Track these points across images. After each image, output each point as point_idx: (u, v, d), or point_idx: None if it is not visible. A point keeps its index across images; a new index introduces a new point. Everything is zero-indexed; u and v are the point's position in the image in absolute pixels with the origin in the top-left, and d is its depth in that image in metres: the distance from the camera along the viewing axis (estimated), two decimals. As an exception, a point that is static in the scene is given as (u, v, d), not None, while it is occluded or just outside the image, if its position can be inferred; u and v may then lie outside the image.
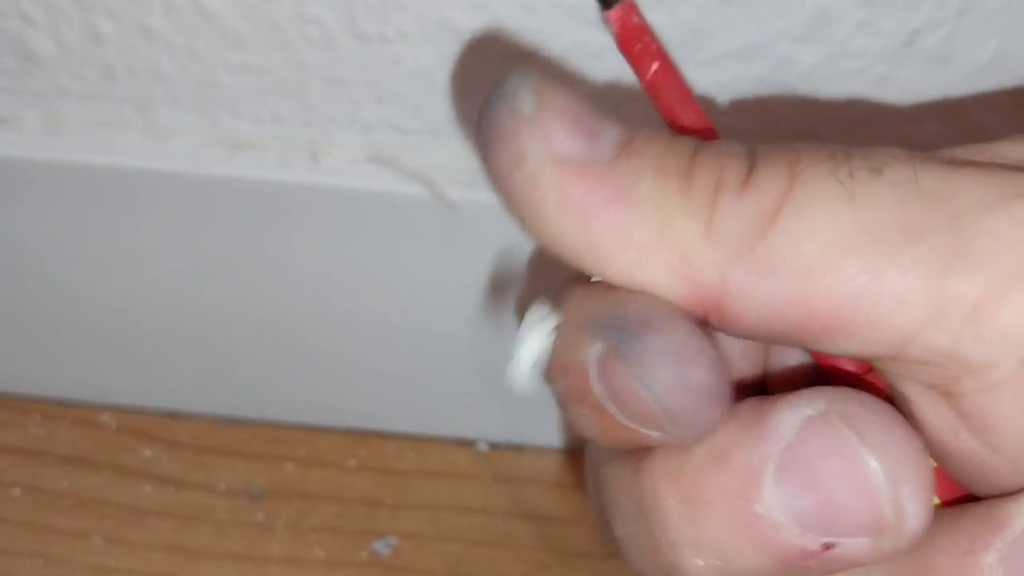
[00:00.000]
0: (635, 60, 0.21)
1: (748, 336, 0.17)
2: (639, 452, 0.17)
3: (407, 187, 0.31)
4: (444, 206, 0.31)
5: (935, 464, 0.18)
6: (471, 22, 0.28)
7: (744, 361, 0.21)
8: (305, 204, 0.31)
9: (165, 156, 0.30)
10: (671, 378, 0.16)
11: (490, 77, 0.18)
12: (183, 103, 0.30)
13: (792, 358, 0.21)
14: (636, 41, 0.22)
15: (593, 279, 0.18)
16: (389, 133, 0.31)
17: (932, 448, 0.17)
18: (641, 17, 0.22)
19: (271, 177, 0.31)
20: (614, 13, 0.21)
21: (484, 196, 0.30)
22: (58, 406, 0.38)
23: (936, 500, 0.17)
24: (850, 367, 0.19)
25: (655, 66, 0.21)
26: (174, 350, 0.37)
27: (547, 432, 0.39)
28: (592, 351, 0.17)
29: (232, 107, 0.30)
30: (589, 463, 0.20)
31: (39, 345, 0.37)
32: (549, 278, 0.20)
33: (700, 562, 0.17)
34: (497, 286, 0.33)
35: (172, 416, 0.38)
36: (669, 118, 0.20)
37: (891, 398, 0.18)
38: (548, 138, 0.16)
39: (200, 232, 0.32)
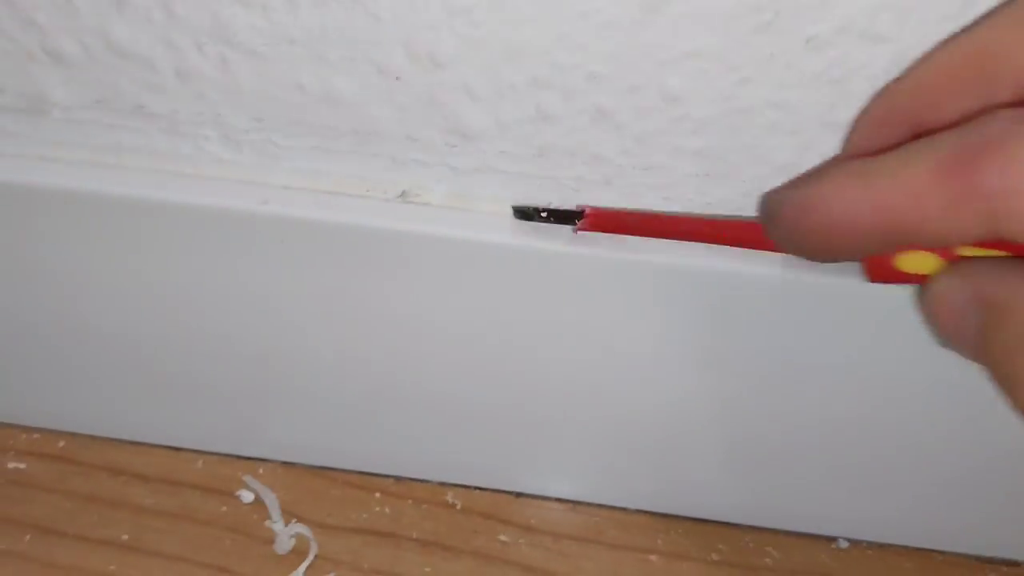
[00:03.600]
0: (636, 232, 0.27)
1: None
2: None
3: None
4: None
5: None
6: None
7: None
8: (729, 286, 0.28)
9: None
10: None
11: None
12: (613, 185, 0.27)
13: None
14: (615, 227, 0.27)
15: None
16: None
17: None
18: (598, 212, 0.26)
19: (690, 264, 0.28)
20: (581, 227, 0.27)
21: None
22: (397, 482, 0.36)
23: None
24: None
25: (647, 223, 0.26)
26: (519, 430, 0.35)
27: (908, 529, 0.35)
28: None
29: (661, 189, 0.27)
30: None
31: (375, 422, 0.35)
32: None
33: None
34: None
35: (516, 496, 0.36)
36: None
37: None
38: None
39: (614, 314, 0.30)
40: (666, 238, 0.26)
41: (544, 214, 0.27)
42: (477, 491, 0.36)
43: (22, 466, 0.37)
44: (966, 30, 0.21)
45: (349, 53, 0.25)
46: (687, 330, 0.30)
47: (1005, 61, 0.20)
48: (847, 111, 0.25)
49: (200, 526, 0.35)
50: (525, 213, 0.27)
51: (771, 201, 0.22)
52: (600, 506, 0.36)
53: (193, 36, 0.25)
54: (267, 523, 0.35)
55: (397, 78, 0.25)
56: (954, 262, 0.22)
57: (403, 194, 0.28)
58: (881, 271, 0.23)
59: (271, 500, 0.35)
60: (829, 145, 0.26)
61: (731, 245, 0.26)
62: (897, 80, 0.23)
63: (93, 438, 0.37)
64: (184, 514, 0.35)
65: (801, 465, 0.34)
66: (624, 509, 0.37)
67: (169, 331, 0.33)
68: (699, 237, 0.26)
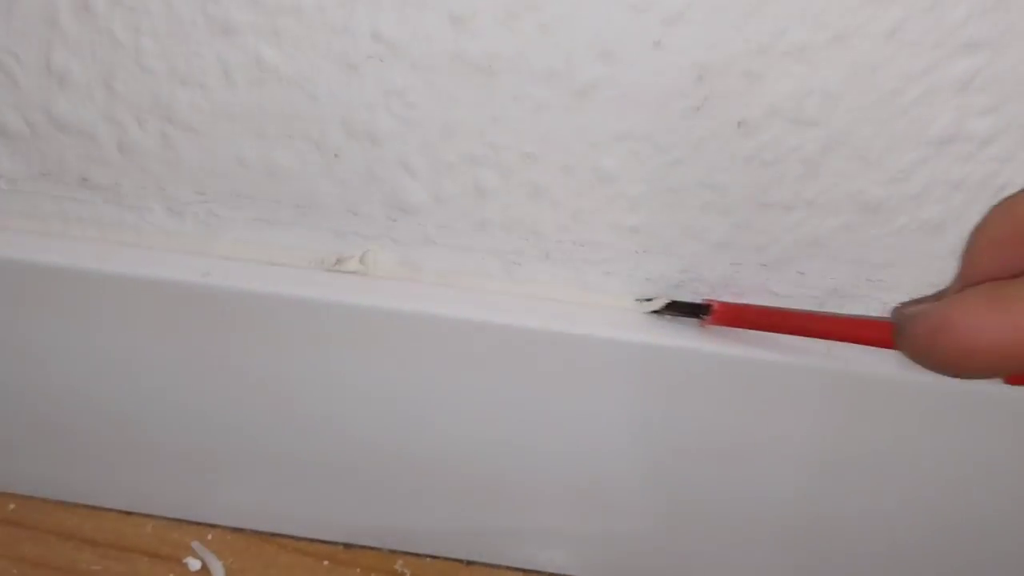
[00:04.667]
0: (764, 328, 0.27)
1: None
2: None
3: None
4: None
5: None
6: (885, 193, 0.25)
7: None
8: (680, 364, 0.28)
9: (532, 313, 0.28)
10: None
11: None
12: (552, 259, 0.27)
13: None
14: (743, 322, 0.27)
15: None
16: (768, 297, 0.28)
17: None
18: (727, 307, 0.27)
19: (634, 339, 0.28)
20: (712, 320, 0.27)
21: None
22: (346, 549, 0.36)
23: None
24: None
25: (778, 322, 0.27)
26: (470, 498, 0.35)
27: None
28: None
29: (600, 264, 0.28)
30: None
31: (324, 488, 0.35)
32: None
33: None
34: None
35: (466, 564, 0.36)
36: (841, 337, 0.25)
37: None
38: None
39: (560, 387, 0.30)
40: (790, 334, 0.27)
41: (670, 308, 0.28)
42: (428, 559, 0.36)
43: (-30, 529, 0.36)
44: None
45: (287, 130, 0.25)
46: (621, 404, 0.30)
47: None
48: (782, 191, 0.25)
49: (147, 594, 0.35)
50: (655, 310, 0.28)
51: (905, 316, 0.22)
52: (552, 575, 0.36)
53: (134, 112, 0.25)
54: (212, 595, 0.35)
55: (336, 155, 0.26)
56: None
57: (337, 262, 0.28)
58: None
59: (217, 568, 0.35)
60: (762, 224, 0.26)
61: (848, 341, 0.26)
62: (1017, 196, 0.23)
63: (44, 501, 0.37)
64: (132, 580, 0.35)
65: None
66: (576, 578, 0.36)
67: (117, 396, 0.33)
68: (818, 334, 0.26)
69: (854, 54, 0.23)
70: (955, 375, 0.22)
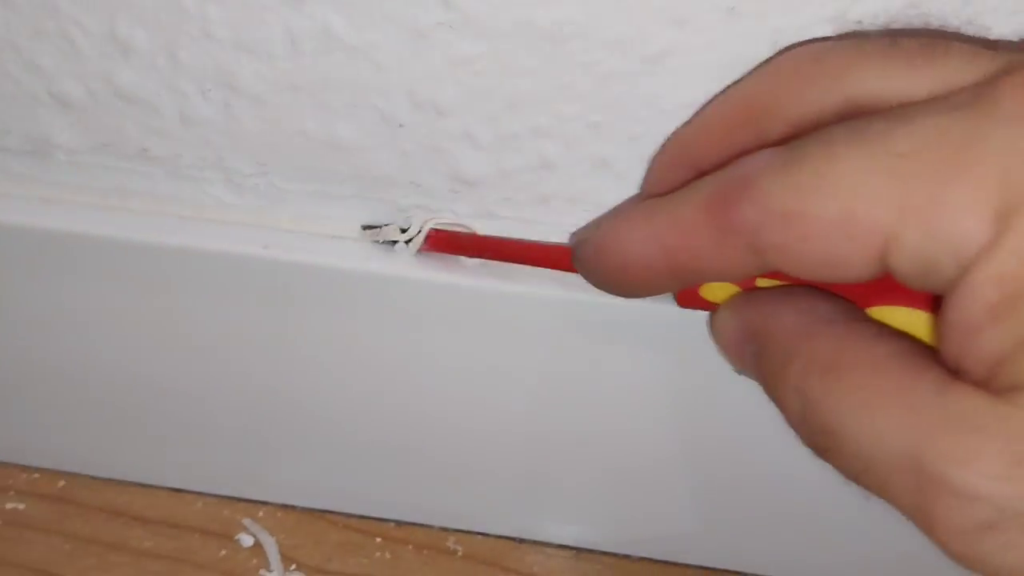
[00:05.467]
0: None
1: None
2: None
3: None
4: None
5: None
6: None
7: None
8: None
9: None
10: None
11: None
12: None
13: None
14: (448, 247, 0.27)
15: None
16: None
17: None
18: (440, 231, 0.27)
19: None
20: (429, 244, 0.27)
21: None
22: (398, 527, 0.36)
23: None
24: None
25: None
26: (522, 476, 0.34)
27: None
28: None
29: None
30: None
31: (376, 465, 0.35)
32: None
33: None
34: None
35: (518, 542, 0.36)
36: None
37: None
38: None
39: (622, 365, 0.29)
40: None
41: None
42: (479, 536, 0.36)
43: (21, 506, 0.36)
44: (737, 83, 0.23)
45: (352, 100, 0.25)
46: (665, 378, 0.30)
47: (772, 109, 0.21)
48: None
49: (199, 570, 0.35)
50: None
51: (575, 240, 0.23)
52: (604, 553, 0.36)
53: (197, 82, 0.25)
54: (263, 572, 0.34)
55: (400, 125, 0.26)
56: (735, 295, 0.23)
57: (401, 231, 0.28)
58: (689, 300, 0.24)
59: (270, 545, 0.35)
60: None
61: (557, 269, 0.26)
62: (681, 127, 0.24)
63: (93, 479, 0.37)
64: (183, 557, 0.35)
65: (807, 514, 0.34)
66: (628, 557, 0.36)
67: (170, 373, 0.33)
68: (528, 261, 0.27)
69: (929, 19, 0.23)
70: (626, 295, 0.22)
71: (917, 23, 0.22)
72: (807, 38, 0.23)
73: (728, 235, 0.19)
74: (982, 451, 0.16)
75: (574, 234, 0.27)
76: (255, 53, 0.24)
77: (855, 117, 0.19)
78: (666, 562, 0.36)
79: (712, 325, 0.24)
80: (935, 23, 0.22)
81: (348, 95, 0.25)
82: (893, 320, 0.21)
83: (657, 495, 0.34)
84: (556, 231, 0.27)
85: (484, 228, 0.28)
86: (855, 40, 0.21)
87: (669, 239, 0.20)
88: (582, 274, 0.23)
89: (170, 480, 0.37)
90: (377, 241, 0.28)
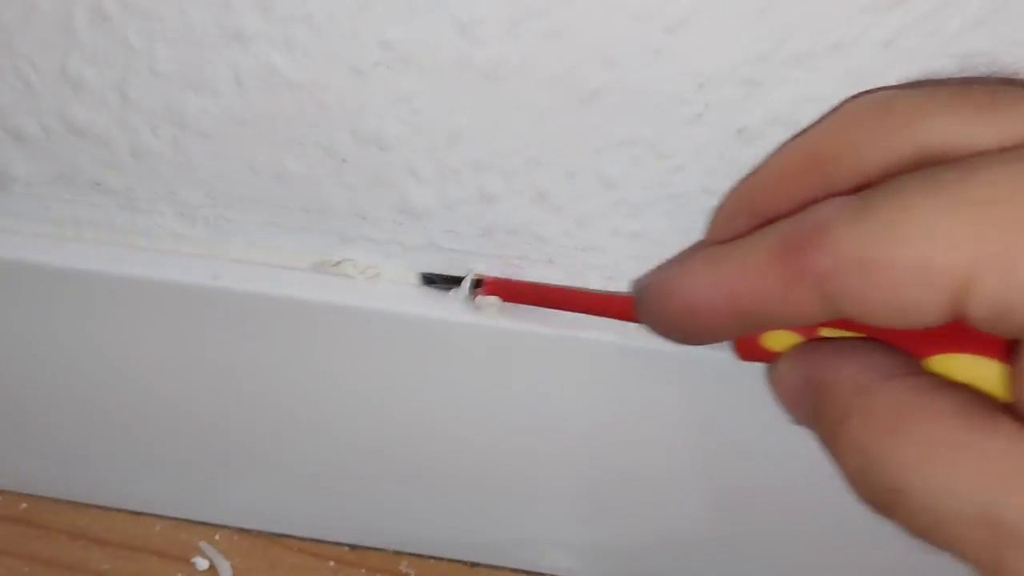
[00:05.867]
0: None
1: None
2: None
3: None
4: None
5: None
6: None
7: None
8: (682, 368, 0.29)
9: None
10: None
11: None
12: (555, 264, 0.28)
13: None
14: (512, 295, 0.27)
15: None
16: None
17: None
18: (498, 279, 0.27)
19: (638, 345, 0.28)
20: (485, 291, 0.27)
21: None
22: (352, 551, 0.37)
23: None
24: None
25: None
26: (475, 499, 0.35)
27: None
28: None
29: (602, 269, 0.28)
30: None
31: (330, 489, 0.35)
32: None
33: None
34: None
35: (471, 566, 0.36)
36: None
37: None
38: None
39: (567, 394, 0.30)
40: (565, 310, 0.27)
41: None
42: (432, 560, 0.36)
43: (-18, 528, 0.37)
44: (804, 131, 0.23)
45: (297, 135, 0.26)
46: (610, 404, 0.30)
47: (840, 158, 0.21)
48: (780, 197, 0.26)
49: (156, 593, 0.35)
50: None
51: (638, 287, 0.23)
52: (555, 577, 0.37)
53: (147, 118, 0.26)
54: (218, 595, 0.35)
55: (344, 160, 0.26)
56: (806, 340, 0.23)
57: (338, 264, 0.28)
58: (750, 350, 0.24)
59: (224, 569, 0.35)
60: (763, 230, 0.26)
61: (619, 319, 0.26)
62: (747, 177, 0.24)
63: (54, 501, 0.38)
64: (141, 580, 0.36)
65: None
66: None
67: (128, 398, 0.33)
68: (588, 310, 0.27)
69: (852, 62, 0.24)
70: (689, 342, 0.22)
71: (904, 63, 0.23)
72: (729, 79, 0.24)
73: (799, 282, 0.19)
74: None
75: (636, 280, 0.27)
76: (202, 91, 0.25)
77: (924, 167, 0.19)
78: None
79: (771, 375, 0.23)
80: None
81: (293, 131, 0.26)
82: (957, 367, 0.21)
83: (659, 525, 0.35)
84: (500, 263, 0.28)
85: (429, 259, 0.29)
86: (923, 88, 0.22)
87: (737, 285, 0.20)
88: (644, 320, 0.23)
89: (129, 503, 0.37)
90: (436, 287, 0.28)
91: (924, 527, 0.18)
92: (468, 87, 0.25)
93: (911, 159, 0.20)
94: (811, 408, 0.22)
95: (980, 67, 0.24)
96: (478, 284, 0.28)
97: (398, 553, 0.36)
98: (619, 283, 0.28)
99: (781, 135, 0.25)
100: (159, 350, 0.31)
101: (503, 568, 0.36)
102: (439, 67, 0.24)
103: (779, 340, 0.23)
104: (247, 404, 0.32)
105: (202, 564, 0.36)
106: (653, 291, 0.23)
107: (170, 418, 0.34)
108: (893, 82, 0.24)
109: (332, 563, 0.36)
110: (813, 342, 0.23)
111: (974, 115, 0.20)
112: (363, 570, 0.36)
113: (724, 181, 0.25)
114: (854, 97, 0.23)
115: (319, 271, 0.29)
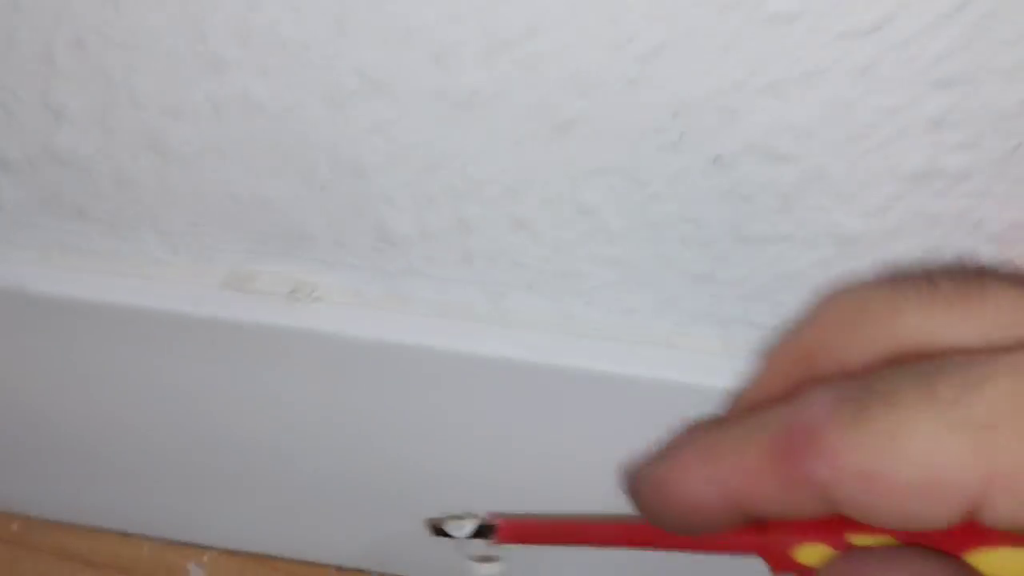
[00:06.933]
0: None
1: None
2: None
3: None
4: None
5: None
6: (862, 227, 0.25)
7: None
8: (661, 396, 0.29)
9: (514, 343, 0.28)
10: None
11: None
12: (539, 291, 0.28)
13: None
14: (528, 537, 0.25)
15: None
16: (747, 328, 0.28)
17: None
18: (510, 521, 0.25)
19: (617, 371, 0.28)
20: (499, 537, 0.25)
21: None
22: (338, 572, 0.37)
23: None
24: None
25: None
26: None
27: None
28: None
29: (582, 295, 0.28)
30: None
31: (317, 511, 0.36)
32: None
33: None
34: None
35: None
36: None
37: None
38: None
39: (545, 419, 0.30)
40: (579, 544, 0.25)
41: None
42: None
43: (-26, 549, 0.37)
44: (784, 336, 0.23)
45: (275, 163, 0.26)
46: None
47: (823, 356, 0.22)
48: (759, 225, 0.26)
49: (144, 614, 0.35)
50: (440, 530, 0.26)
51: (630, 478, 0.23)
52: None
53: (128, 147, 0.26)
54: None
55: (322, 188, 0.26)
56: (842, 552, 0.22)
57: (311, 293, 0.29)
58: (781, 562, 0.23)
59: (212, 590, 0.35)
60: (741, 257, 0.26)
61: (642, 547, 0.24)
62: (737, 388, 0.24)
63: (46, 522, 0.38)
64: (130, 602, 0.36)
65: None
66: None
67: (114, 421, 0.33)
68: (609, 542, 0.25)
69: (828, 90, 0.24)
70: (687, 532, 0.22)
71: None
72: (704, 107, 0.24)
73: (797, 485, 0.19)
74: None
75: (627, 467, 0.25)
76: (181, 119, 0.25)
77: (906, 360, 0.20)
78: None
79: None
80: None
81: (271, 158, 0.26)
82: (998, 561, 0.20)
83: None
84: (481, 289, 0.28)
85: (408, 286, 0.29)
86: (893, 284, 0.22)
87: (732, 482, 0.20)
88: (638, 510, 0.23)
89: (118, 524, 0.38)
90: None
91: None
92: (444, 116, 0.25)
93: (892, 353, 0.21)
94: None
95: (956, 95, 0.24)
96: (488, 528, 0.25)
97: (383, 575, 0.37)
98: (598, 309, 0.28)
99: (756, 162, 0.25)
100: (144, 375, 0.31)
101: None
102: (415, 96, 0.24)
103: (813, 554, 0.23)
104: (233, 427, 0.33)
105: (190, 586, 0.36)
106: (647, 484, 0.22)
107: (158, 440, 0.34)
108: (870, 111, 0.24)
109: (319, 585, 0.36)
110: (853, 553, 0.22)
111: (946, 310, 0.20)
112: (350, 592, 0.36)
113: (701, 208, 0.25)
114: (830, 296, 0.23)
115: (294, 299, 0.29)
